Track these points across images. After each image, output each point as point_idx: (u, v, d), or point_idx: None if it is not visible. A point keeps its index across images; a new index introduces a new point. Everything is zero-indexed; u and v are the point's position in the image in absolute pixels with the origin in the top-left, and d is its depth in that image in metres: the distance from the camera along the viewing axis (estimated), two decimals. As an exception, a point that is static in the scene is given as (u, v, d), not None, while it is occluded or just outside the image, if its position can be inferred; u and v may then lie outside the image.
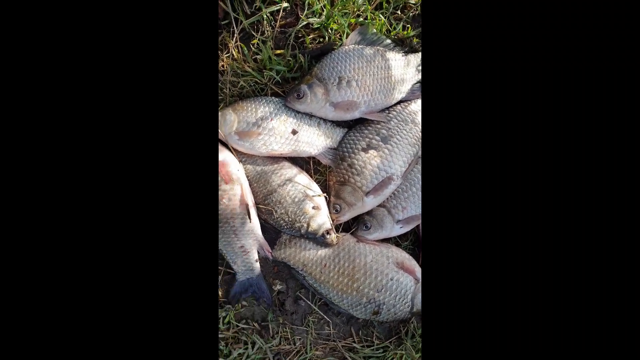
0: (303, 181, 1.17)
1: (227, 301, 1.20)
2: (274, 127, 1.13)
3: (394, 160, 1.15)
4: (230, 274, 1.21)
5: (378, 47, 1.17)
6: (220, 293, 1.21)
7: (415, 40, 1.22)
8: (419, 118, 1.19)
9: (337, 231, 1.19)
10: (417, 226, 1.22)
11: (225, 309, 1.20)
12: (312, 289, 1.21)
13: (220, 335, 1.18)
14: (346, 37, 1.17)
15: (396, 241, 1.27)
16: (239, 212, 1.13)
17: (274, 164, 1.19)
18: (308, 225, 1.13)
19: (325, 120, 1.19)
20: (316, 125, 1.18)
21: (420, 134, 1.18)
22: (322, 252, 1.18)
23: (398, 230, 1.19)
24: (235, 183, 1.12)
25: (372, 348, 1.23)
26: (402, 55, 1.19)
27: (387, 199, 1.18)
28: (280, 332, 1.22)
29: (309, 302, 1.24)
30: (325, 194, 1.18)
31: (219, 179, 1.10)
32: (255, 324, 1.22)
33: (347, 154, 1.17)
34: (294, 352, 1.22)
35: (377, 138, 1.17)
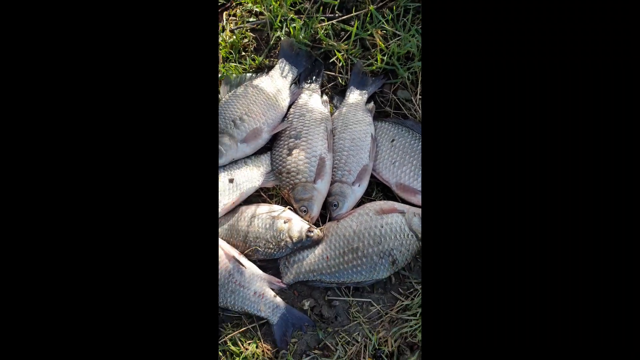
0: (264, 210, 1.30)
1: (279, 348, 1.23)
2: (211, 187, 1.29)
3: (314, 145, 1.32)
4: (265, 324, 1.26)
5: (245, 83, 1.40)
6: (269, 347, 1.24)
7: (266, 61, 1.47)
8: (310, 105, 1.40)
9: (317, 226, 1.30)
10: (372, 175, 1.35)
11: (282, 355, 1.22)
12: (334, 285, 1.27)
13: (293, 381, 1.19)
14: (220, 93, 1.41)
15: (369, 200, 1.39)
16: (232, 267, 1.22)
17: (234, 215, 1.32)
18: (291, 237, 1.24)
19: (249, 156, 1.37)
20: (244, 164, 1.35)
21: (321, 113, 1.37)
22: (318, 249, 1.27)
23: (359, 190, 1.32)
24: (214, 249, 1.23)
25: (419, 295, 1.27)
26: (265, 76, 1.43)
27: (333, 174, 1.32)
28: (339, 340, 1.25)
29: (342, 298, 1.29)
30: (287, 207, 1.31)
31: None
32: (316, 351, 1.24)
33: (280, 166, 1.34)
34: (362, 348, 1.24)
35: (292, 139, 1.35)
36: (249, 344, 1.23)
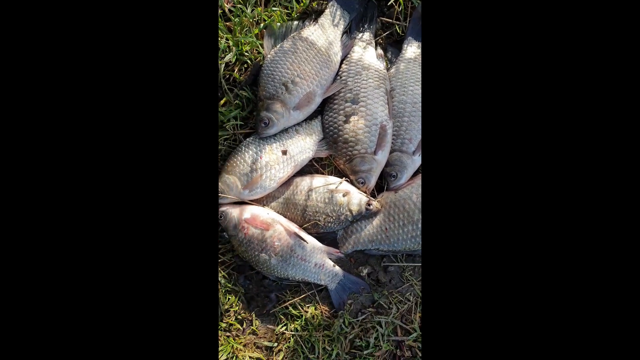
0: (319, 182, 1.23)
1: (337, 309, 1.31)
2: (267, 161, 1.19)
3: (374, 112, 1.19)
4: (323, 289, 1.32)
5: (292, 35, 1.19)
6: (327, 308, 1.32)
7: (314, 4, 1.23)
8: (366, 61, 1.22)
9: (375, 197, 1.26)
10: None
11: (340, 315, 1.31)
12: (390, 253, 1.30)
13: (351, 337, 1.30)
14: (262, 48, 1.20)
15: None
16: (293, 242, 1.21)
17: (289, 188, 1.25)
18: (350, 211, 1.21)
19: (299, 123, 1.24)
20: (296, 133, 1.23)
21: (378, 71, 1.21)
22: (376, 221, 1.26)
23: (419, 160, 1.25)
24: (273, 225, 1.20)
25: (467, 258, 1.33)
26: (314, 25, 1.21)
27: (393, 141, 1.23)
28: (392, 300, 1.33)
29: (397, 264, 1.33)
30: (343, 178, 1.25)
31: (260, 230, 1.18)
32: (370, 309, 1.33)
33: (335, 135, 1.22)
34: (413, 306, 1.33)
35: (348, 104, 1.21)
36: (308, 307, 1.30)
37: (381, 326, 1.30)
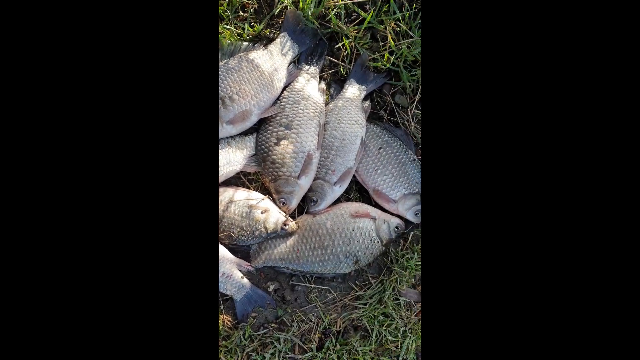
0: (242, 196, 1.29)
1: (239, 321, 1.34)
2: (191, 167, 1.22)
3: (304, 140, 1.28)
4: (229, 300, 1.34)
5: (240, 54, 1.25)
6: (230, 319, 1.35)
7: (266, 31, 1.31)
8: (307, 92, 1.32)
9: (293, 218, 1.34)
10: (353, 176, 1.38)
11: (241, 327, 1.34)
12: (299, 273, 1.37)
13: (248, 350, 1.33)
14: (209, 59, 1.25)
15: (346, 197, 1.44)
16: (204, 250, 1.24)
17: (211, 196, 1.29)
18: (266, 228, 1.27)
19: (232, 136, 1.29)
20: (227, 145, 1.28)
21: (316, 104, 1.31)
22: (290, 240, 1.33)
23: (339, 190, 1.35)
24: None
25: (372, 288, 1.43)
26: (263, 49, 1.29)
27: (317, 170, 1.32)
28: (295, 318, 1.39)
29: (303, 284, 1.40)
30: (266, 196, 1.31)
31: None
32: (272, 324, 1.38)
33: (265, 154, 1.29)
34: (314, 327, 1.40)
35: (282, 128, 1.29)
36: (212, 314, 1.32)
37: (279, 342, 1.35)
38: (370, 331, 1.37)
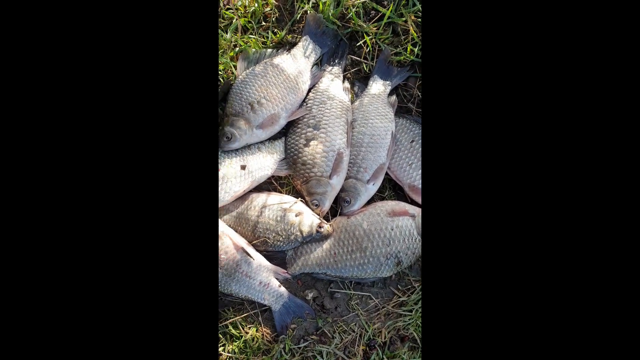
0: (275, 200, 1.26)
1: (279, 333, 1.28)
2: (224, 174, 1.22)
3: (333, 139, 1.26)
4: (267, 310, 1.29)
5: (265, 61, 1.28)
6: (269, 331, 1.28)
7: (289, 37, 1.34)
8: (332, 92, 1.31)
9: (327, 220, 1.29)
10: (386, 172, 1.33)
11: (281, 340, 1.27)
12: (338, 279, 1.30)
13: (290, 364, 1.25)
14: (235, 69, 1.28)
15: (380, 197, 1.38)
16: (240, 257, 1.21)
17: (244, 202, 1.28)
18: (301, 231, 1.23)
19: (262, 141, 1.29)
20: (257, 150, 1.28)
21: (342, 102, 1.30)
22: (326, 244, 1.28)
23: (372, 188, 1.30)
24: (222, 237, 1.20)
25: (415, 292, 1.34)
26: (287, 54, 1.31)
27: (349, 169, 1.29)
28: (337, 329, 1.31)
29: (343, 291, 1.33)
30: (299, 198, 1.28)
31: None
32: (313, 337, 1.30)
33: (295, 156, 1.28)
34: (357, 338, 1.31)
35: (310, 129, 1.28)
36: (250, 328, 1.26)
37: (322, 356, 1.26)
38: (418, 341, 1.26)
